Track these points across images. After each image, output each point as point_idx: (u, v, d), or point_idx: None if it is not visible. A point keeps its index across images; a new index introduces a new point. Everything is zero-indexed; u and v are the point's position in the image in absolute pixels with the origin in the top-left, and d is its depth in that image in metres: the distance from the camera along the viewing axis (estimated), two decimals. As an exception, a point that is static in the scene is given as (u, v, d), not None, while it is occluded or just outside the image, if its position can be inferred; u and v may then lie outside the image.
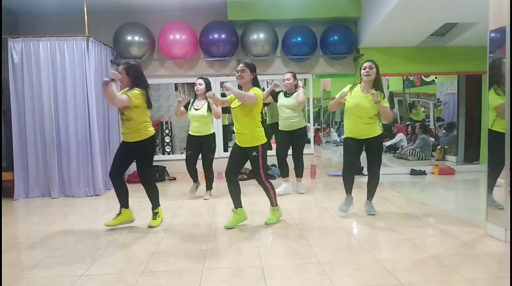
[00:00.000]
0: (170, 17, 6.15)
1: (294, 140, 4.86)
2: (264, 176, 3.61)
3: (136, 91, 3.46)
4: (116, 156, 3.66)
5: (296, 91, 4.76)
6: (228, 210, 4.36)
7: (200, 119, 4.71)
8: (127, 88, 3.55)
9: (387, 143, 9.24)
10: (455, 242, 3.04)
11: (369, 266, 2.60)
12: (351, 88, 3.80)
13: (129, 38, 5.92)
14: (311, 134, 6.91)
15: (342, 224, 3.58)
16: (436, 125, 8.82)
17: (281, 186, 4.97)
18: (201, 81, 4.75)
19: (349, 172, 3.92)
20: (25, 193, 5.23)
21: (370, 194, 3.95)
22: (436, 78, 8.40)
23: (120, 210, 3.66)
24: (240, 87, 3.59)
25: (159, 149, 7.60)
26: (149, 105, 3.55)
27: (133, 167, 6.24)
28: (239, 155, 3.61)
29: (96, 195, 5.22)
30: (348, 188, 3.91)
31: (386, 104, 3.66)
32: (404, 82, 9.55)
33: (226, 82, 8.17)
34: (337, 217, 3.81)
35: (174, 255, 2.91)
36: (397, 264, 2.61)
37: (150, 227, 3.65)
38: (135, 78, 3.51)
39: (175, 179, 6.33)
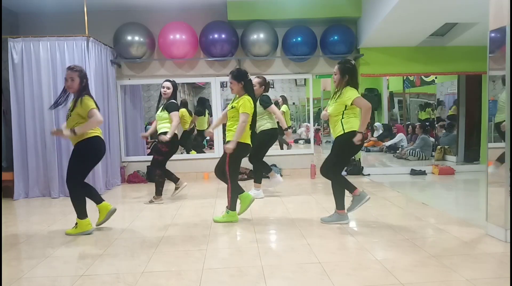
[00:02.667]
0: (170, 17, 6.15)
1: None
2: (229, 173, 3.66)
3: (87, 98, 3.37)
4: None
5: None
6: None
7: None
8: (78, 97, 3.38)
9: (387, 143, 9.25)
10: (455, 242, 3.03)
11: (369, 266, 2.60)
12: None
13: (129, 38, 5.92)
14: (311, 134, 6.92)
15: (342, 224, 3.58)
16: (436, 125, 8.81)
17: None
18: (169, 84, 4.62)
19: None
20: (25, 193, 5.24)
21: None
22: (436, 78, 8.40)
23: (97, 208, 3.60)
24: None
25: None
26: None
27: (133, 167, 6.32)
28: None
29: (96, 195, 5.22)
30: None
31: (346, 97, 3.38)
32: (404, 82, 9.57)
33: (226, 82, 8.00)
34: (337, 217, 3.81)
35: (174, 255, 2.91)
36: (397, 264, 2.61)
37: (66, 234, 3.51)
38: (85, 85, 3.44)
39: (175, 179, 6.32)
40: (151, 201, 4.68)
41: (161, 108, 4.64)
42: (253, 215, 4.00)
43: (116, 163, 5.99)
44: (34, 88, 5.17)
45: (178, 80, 6.80)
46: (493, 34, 3.12)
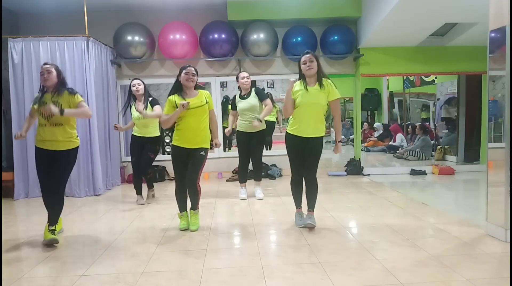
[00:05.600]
0: (170, 17, 6.15)
1: (254, 142, 4.65)
2: (199, 179, 3.48)
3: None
4: (43, 167, 3.39)
5: (250, 91, 4.65)
6: (229, 210, 4.37)
7: (144, 121, 4.44)
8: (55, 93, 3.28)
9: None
10: (455, 242, 3.03)
11: (369, 266, 2.60)
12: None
13: (129, 38, 5.92)
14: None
15: (342, 224, 3.58)
16: (436, 125, 8.81)
17: (241, 191, 4.81)
18: (140, 81, 4.50)
19: (301, 179, 3.54)
20: (25, 193, 5.23)
21: (311, 204, 3.50)
22: (436, 78, 8.40)
23: (57, 222, 3.36)
24: (180, 87, 3.56)
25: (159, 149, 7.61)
26: None
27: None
28: (185, 158, 3.44)
29: (96, 195, 5.20)
30: (299, 200, 3.59)
31: (335, 94, 3.40)
32: (404, 82, 9.56)
33: (226, 82, 7.90)
34: (337, 217, 3.81)
35: (174, 255, 2.91)
36: (397, 264, 2.61)
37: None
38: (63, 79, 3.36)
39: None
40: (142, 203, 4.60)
41: (144, 106, 4.40)
42: (253, 215, 4.00)
43: (116, 163, 5.99)
44: (34, 88, 5.16)
45: (178, 80, 6.81)
46: (493, 34, 3.12)
